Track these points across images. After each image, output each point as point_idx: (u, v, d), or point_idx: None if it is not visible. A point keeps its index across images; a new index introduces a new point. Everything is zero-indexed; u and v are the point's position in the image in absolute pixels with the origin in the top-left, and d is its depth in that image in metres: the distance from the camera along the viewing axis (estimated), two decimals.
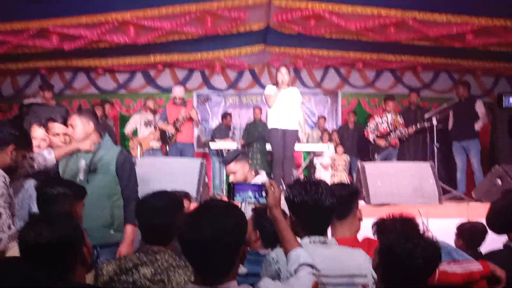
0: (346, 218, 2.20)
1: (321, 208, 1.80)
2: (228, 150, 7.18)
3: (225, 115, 8.43)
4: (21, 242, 1.45)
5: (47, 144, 3.26)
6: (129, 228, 2.96)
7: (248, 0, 5.92)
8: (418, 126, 6.59)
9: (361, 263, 1.76)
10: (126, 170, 3.05)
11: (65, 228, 1.44)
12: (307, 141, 7.91)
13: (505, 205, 1.59)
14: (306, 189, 1.80)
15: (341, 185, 2.39)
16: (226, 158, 3.55)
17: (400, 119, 6.81)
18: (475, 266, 2.10)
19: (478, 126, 6.39)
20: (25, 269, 1.33)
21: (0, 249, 2.11)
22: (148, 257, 1.83)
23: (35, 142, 3.20)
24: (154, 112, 7.55)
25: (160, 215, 1.90)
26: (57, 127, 3.21)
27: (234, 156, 3.43)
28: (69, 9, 5.94)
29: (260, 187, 1.75)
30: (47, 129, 3.22)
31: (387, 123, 6.76)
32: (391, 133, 6.69)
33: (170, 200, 2.00)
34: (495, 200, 1.70)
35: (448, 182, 6.58)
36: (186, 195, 3.32)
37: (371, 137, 6.79)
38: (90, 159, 2.98)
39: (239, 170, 3.38)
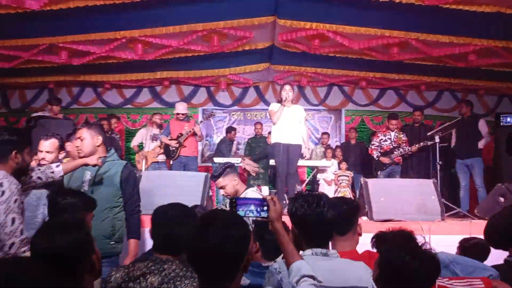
0: (347, 234, 2.26)
1: (323, 220, 1.85)
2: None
3: (230, 129, 8.50)
4: (33, 248, 1.50)
5: (54, 156, 3.37)
6: (132, 242, 3.04)
7: (254, 20, 6.05)
8: (421, 144, 6.64)
9: (362, 275, 1.79)
10: (130, 184, 3.12)
11: (77, 235, 1.49)
12: (311, 157, 7.97)
13: (502, 221, 1.62)
14: (308, 202, 1.86)
15: (342, 200, 2.43)
16: (214, 173, 3.55)
17: (403, 137, 6.87)
18: (477, 283, 2.13)
19: (481, 144, 6.43)
20: (35, 270, 1.38)
21: (13, 253, 2.18)
22: (156, 266, 1.88)
23: (40, 155, 3.35)
24: (160, 126, 7.65)
25: (174, 225, 1.95)
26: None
27: (221, 170, 3.45)
28: (79, 27, 6.08)
29: (261, 202, 1.78)
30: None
31: (390, 140, 6.82)
32: (394, 150, 6.75)
33: (185, 211, 2.06)
34: (493, 215, 1.73)
35: (451, 200, 6.61)
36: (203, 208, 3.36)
37: (375, 154, 6.84)
38: (95, 171, 3.04)
39: (228, 184, 3.41)
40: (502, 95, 9.31)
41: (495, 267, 2.59)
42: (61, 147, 3.51)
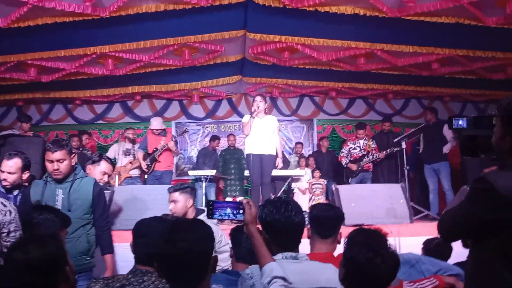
0: (328, 239, 2.32)
1: (291, 225, 1.92)
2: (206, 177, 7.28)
3: (214, 138, 8.44)
4: (8, 261, 1.52)
5: (17, 177, 3.26)
6: (109, 257, 3.11)
7: (224, 34, 6.15)
8: (388, 150, 6.87)
9: (331, 276, 1.86)
10: (101, 201, 3.16)
11: (51, 248, 1.52)
12: (288, 167, 8.08)
13: (450, 214, 1.73)
14: (276, 207, 1.93)
15: (330, 206, 2.46)
16: (174, 186, 3.55)
17: (372, 144, 7.09)
18: (430, 283, 2.24)
19: (446, 149, 6.65)
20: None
21: None
22: (136, 278, 1.91)
23: (1, 175, 3.23)
24: (133, 141, 7.61)
25: (157, 236, 1.99)
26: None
27: (183, 187, 3.45)
28: (47, 44, 6.03)
29: (237, 205, 1.86)
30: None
31: (360, 148, 7.04)
32: (364, 158, 6.94)
33: (167, 223, 2.11)
34: (446, 210, 1.84)
35: (423, 203, 6.83)
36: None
37: (344, 161, 7.05)
38: (68, 189, 3.03)
39: (182, 202, 3.38)
40: (466, 101, 9.67)
41: (459, 264, 2.73)
42: (26, 167, 3.34)
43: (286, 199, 2.05)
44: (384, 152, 6.93)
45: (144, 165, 6.65)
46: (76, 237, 2.95)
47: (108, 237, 3.16)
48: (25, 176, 3.37)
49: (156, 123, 6.89)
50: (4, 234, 2.22)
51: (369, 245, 1.66)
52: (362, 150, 7.01)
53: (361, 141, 7.08)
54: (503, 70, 7.21)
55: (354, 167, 6.94)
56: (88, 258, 3.05)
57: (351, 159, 7.02)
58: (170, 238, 1.47)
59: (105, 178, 3.60)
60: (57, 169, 2.99)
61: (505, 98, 1.62)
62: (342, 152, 7.21)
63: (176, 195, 3.40)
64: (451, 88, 8.58)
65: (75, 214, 2.94)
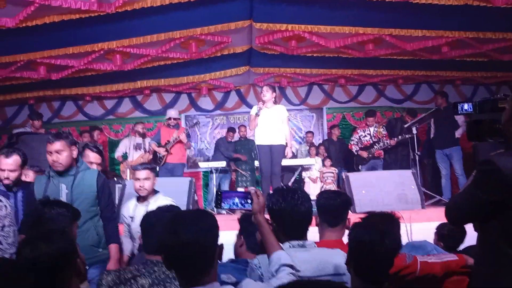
0: (336, 227, 2.31)
1: (298, 213, 1.93)
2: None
3: (229, 130, 8.49)
4: (19, 257, 1.56)
5: (18, 174, 3.31)
6: (113, 247, 3.10)
7: (230, 24, 6.13)
8: (399, 137, 6.83)
9: (339, 262, 1.87)
10: (105, 192, 3.15)
11: (60, 242, 1.56)
12: (297, 156, 8.08)
13: (457, 199, 1.72)
14: (283, 196, 1.94)
15: (334, 193, 2.45)
16: (144, 164, 3.96)
17: (383, 131, 7.04)
18: (451, 257, 2.26)
19: (458, 133, 6.58)
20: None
21: None
22: (147, 268, 1.94)
23: (2, 174, 3.24)
24: (142, 135, 7.67)
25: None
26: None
27: (151, 166, 3.80)
28: (55, 42, 6.08)
29: (246, 194, 1.88)
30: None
31: (370, 135, 7.00)
32: (374, 145, 6.91)
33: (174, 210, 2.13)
34: (454, 195, 1.84)
35: (435, 189, 6.78)
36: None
37: (354, 149, 7.02)
38: (71, 183, 3.03)
39: (151, 180, 3.68)
40: (478, 84, 9.53)
41: (470, 247, 2.72)
42: (24, 163, 3.36)
43: (293, 187, 2.06)
44: (395, 138, 6.89)
45: (161, 150, 6.68)
46: (85, 231, 2.96)
47: (113, 228, 3.17)
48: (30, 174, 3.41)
49: (174, 112, 6.98)
50: None
51: (371, 225, 1.69)
52: (373, 137, 6.98)
53: (371, 128, 7.04)
54: None
55: (365, 154, 6.92)
56: (100, 250, 3.05)
57: (362, 146, 6.99)
58: (173, 230, 1.46)
59: (94, 167, 3.51)
60: (57, 160, 2.99)
61: None
62: (352, 140, 7.18)
63: (148, 172, 3.67)
64: (462, 71, 8.46)
65: (81, 207, 2.85)
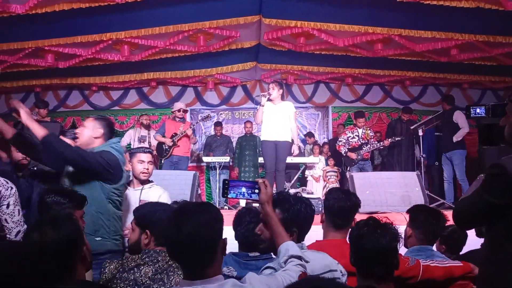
0: (344, 229, 2.30)
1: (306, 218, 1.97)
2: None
3: (216, 124, 8.55)
4: (26, 242, 1.56)
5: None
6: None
7: (239, 19, 6.11)
8: (394, 138, 6.82)
9: (329, 262, 1.88)
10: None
11: (67, 228, 1.56)
12: (303, 155, 8.09)
13: (465, 203, 1.72)
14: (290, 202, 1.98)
15: (344, 194, 2.38)
16: (145, 148, 3.79)
17: (370, 132, 7.05)
18: (456, 263, 2.25)
19: (456, 136, 6.52)
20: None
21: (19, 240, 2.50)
22: (150, 257, 1.95)
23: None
24: (147, 127, 7.67)
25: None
26: None
27: (151, 151, 3.61)
28: (64, 30, 6.09)
29: (253, 184, 1.86)
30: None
31: (358, 137, 6.98)
32: (363, 146, 6.89)
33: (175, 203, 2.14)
34: (461, 198, 1.83)
35: (440, 192, 6.77)
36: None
37: (342, 150, 7.01)
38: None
39: (153, 164, 3.54)
40: (485, 89, 9.47)
41: (472, 251, 2.70)
42: None
43: (297, 195, 2.05)
44: (389, 139, 6.89)
45: (167, 141, 6.68)
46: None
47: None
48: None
49: (182, 104, 6.98)
50: (4, 206, 2.52)
51: (370, 223, 1.79)
52: (361, 139, 6.97)
53: (360, 130, 7.04)
54: None
55: (353, 155, 6.89)
56: (98, 239, 2.77)
57: (349, 147, 6.98)
58: (176, 223, 1.46)
59: None
60: (77, 133, 3.00)
61: None
62: (340, 141, 7.16)
63: (151, 156, 3.49)
64: (470, 74, 8.42)
65: (78, 189, 2.66)
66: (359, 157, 6.86)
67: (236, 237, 2.25)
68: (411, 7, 5.46)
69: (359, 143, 6.94)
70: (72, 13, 5.36)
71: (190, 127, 6.74)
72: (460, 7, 5.32)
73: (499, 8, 5.26)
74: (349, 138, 7.04)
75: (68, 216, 1.67)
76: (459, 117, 6.56)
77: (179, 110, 6.83)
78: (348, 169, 6.90)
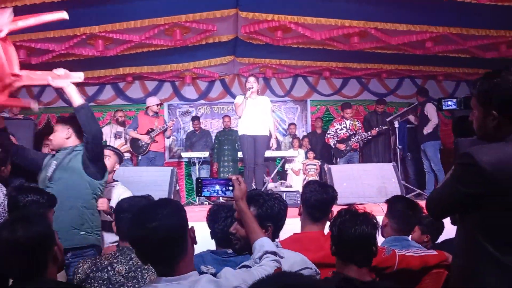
0: (321, 221, 2.33)
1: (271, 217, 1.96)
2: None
3: (193, 119, 8.47)
4: None
5: None
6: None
7: (216, 13, 6.05)
8: (377, 129, 6.91)
9: (303, 259, 1.88)
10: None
11: (39, 227, 1.52)
12: (281, 148, 8.10)
13: (435, 193, 1.76)
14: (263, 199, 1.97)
15: (321, 187, 2.40)
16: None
17: (358, 124, 7.14)
18: (430, 252, 2.29)
19: (426, 128, 6.63)
20: None
21: None
22: (124, 255, 1.92)
23: None
24: (122, 124, 7.54)
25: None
26: None
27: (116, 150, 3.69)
28: (36, 25, 5.91)
29: (226, 181, 1.84)
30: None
31: (346, 128, 7.06)
32: (351, 137, 6.98)
33: (149, 199, 2.10)
34: (434, 189, 1.86)
35: (417, 183, 6.89)
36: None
37: (331, 142, 7.09)
38: (61, 158, 2.96)
39: (112, 160, 3.47)
40: (460, 80, 9.66)
41: (448, 240, 2.76)
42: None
43: (269, 193, 2.04)
44: (377, 128, 6.99)
45: (145, 138, 6.59)
46: (65, 209, 2.75)
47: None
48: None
49: (154, 99, 6.91)
50: None
51: (352, 211, 1.89)
52: (349, 130, 7.06)
53: (348, 121, 7.13)
54: (496, 48, 7.19)
55: (342, 146, 6.99)
56: (82, 233, 2.82)
57: (338, 139, 7.05)
58: (137, 222, 1.44)
59: None
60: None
61: (474, 81, 1.64)
62: (329, 133, 7.25)
63: (111, 152, 3.52)
64: (445, 67, 8.58)
65: (63, 182, 2.87)
66: (348, 148, 6.95)
67: (213, 235, 2.24)
68: (386, 1, 5.51)
69: (348, 134, 7.02)
70: (44, 7, 5.21)
71: (172, 120, 6.70)
72: (434, 0, 5.39)
73: (471, 1, 5.35)
74: (337, 130, 7.11)
75: (40, 214, 1.63)
76: (429, 109, 6.67)
77: (157, 105, 6.76)
78: (337, 160, 6.98)
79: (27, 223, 1.52)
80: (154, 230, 1.40)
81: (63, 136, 3.08)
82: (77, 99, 2.99)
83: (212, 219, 2.20)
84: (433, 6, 5.60)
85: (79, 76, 2.97)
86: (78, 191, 2.89)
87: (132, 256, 1.92)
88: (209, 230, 2.24)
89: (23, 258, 1.46)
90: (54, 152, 3.16)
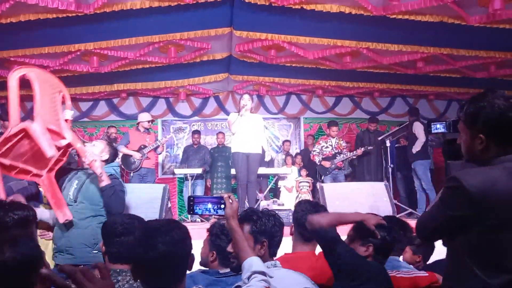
0: (312, 241, 2.33)
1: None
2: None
3: (194, 132, 8.31)
4: None
5: None
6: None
7: (210, 31, 6.12)
8: (362, 149, 6.95)
9: (304, 280, 1.87)
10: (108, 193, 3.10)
11: (26, 247, 1.50)
12: (274, 165, 8.10)
13: (425, 216, 1.76)
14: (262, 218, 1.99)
15: (312, 206, 2.41)
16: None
17: (343, 143, 7.17)
18: (421, 274, 2.29)
19: (415, 148, 6.65)
20: None
21: None
22: (111, 278, 1.89)
23: None
24: (114, 140, 7.49)
25: (126, 233, 1.98)
26: None
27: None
28: (31, 41, 5.95)
29: (218, 199, 1.85)
30: None
31: (332, 146, 7.08)
32: (336, 156, 7.00)
33: (134, 219, 2.09)
34: (423, 212, 1.87)
35: (408, 202, 6.89)
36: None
37: (317, 159, 7.10)
38: (83, 180, 3.15)
39: (98, 147, 3.37)
40: (451, 100, 9.77)
41: (438, 261, 2.76)
42: None
43: (267, 211, 2.05)
44: (362, 148, 7.01)
45: (138, 155, 6.55)
46: (81, 227, 2.99)
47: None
48: None
49: (146, 115, 6.90)
50: None
51: None
52: (334, 149, 7.08)
53: (333, 140, 7.15)
54: (486, 68, 7.31)
55: (327, 164, 6.99)
56: (95, 252, 2.96)
57: (323, 157, 7.07)
58: (147, 243, 1.44)
59: None
60: None
61: (461, 104, 1.66)
62: (314, 150, 7.26)
63: (97, 143, 3.46)
64: (436, 86, 8.69)
65: (83, 202, 3.07)
66: (333, 165, 6.96)
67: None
68: (378, 21, 5.60)
69: (333, 152, 7.03)
70: (38, 23, 5.25)
71: (165, 136, 6.69)
72: (424, 21, 5.50)
73: (461, 22, 5.47)
74: (323, 148, 7.13)
75: (27, 235, 1.61)
76: (416, 128, 6.71)
77: (148, 121, 6.75)
78: (322, 178, 6.97)
79: (14, 244, 1.50)
80: (164, 254, 1.41)
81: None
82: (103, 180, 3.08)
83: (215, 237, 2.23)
84: (423, 27, 5.69)
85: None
86: (96, 212, 3.10)
87: (119, 279, 1.89)
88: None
89: (9, 279, 1.44)
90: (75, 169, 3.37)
